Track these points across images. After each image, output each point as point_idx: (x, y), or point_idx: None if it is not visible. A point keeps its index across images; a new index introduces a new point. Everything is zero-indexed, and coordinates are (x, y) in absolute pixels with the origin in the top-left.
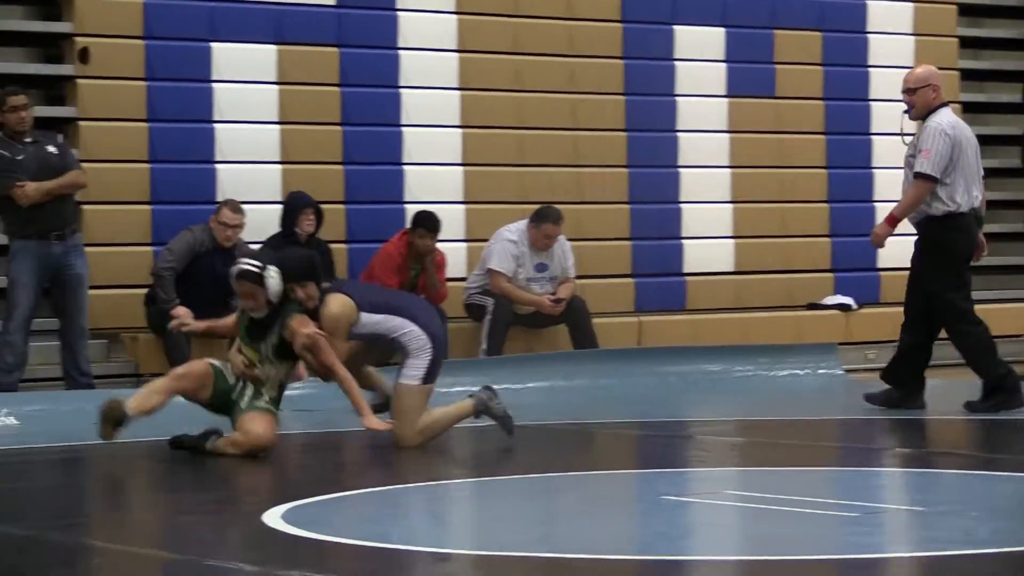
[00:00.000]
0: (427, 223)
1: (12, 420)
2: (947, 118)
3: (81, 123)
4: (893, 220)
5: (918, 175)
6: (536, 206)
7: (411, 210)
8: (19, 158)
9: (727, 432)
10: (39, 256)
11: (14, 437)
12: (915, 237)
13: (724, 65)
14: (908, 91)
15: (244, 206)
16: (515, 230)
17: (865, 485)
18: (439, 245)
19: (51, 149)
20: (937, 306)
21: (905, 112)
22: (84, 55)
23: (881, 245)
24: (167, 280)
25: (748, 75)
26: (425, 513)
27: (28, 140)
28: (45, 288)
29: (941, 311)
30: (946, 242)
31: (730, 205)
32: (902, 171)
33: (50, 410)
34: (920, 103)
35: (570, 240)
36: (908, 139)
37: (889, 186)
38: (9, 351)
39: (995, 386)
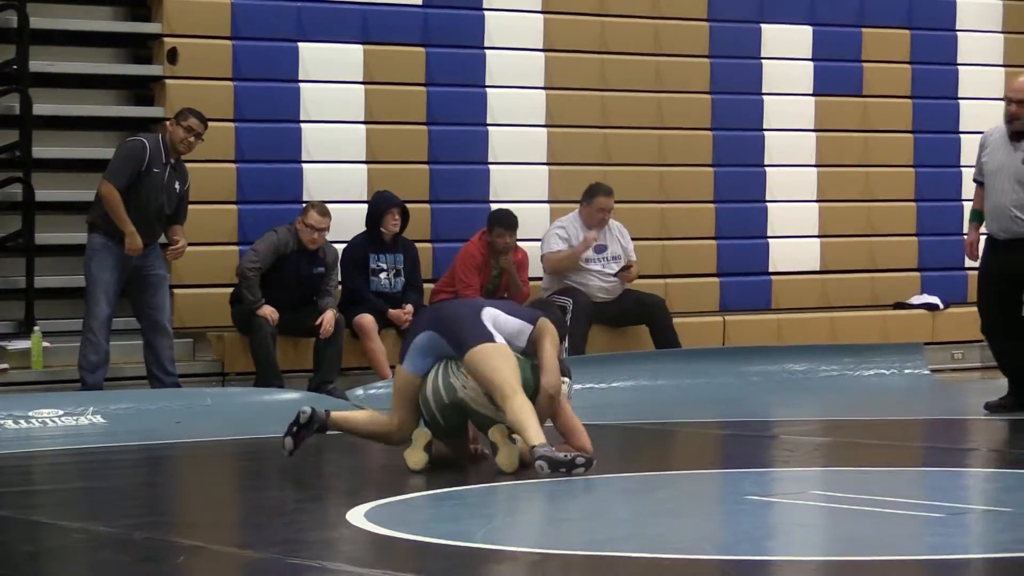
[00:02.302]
0: (503, 221)
1: (99, 419)
2: None
3: (169, 123)
4: None
5: None
6: (621, 205)
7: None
8: (154, 170)
9: (812, 432)
10: (119, 256)
11: (101, 436)
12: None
13: (811, 63)
14: (1021, 103)
15: (330, 205)
16: (564, 220)
17: (950, 486)
18: (522, 244)
19: (177, 187)
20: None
21: (1008, 123)
22: (172, 55)
23: None
24: (252, 280)
25: (835, 73)
26: (508, 512)
27: (172, 162)
28: (122, 288)
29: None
30: None
31: (816, 204)
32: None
33: (137, 409)
34: None
35: (655, 240)
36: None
37: None
38: (92, 349)
39: None
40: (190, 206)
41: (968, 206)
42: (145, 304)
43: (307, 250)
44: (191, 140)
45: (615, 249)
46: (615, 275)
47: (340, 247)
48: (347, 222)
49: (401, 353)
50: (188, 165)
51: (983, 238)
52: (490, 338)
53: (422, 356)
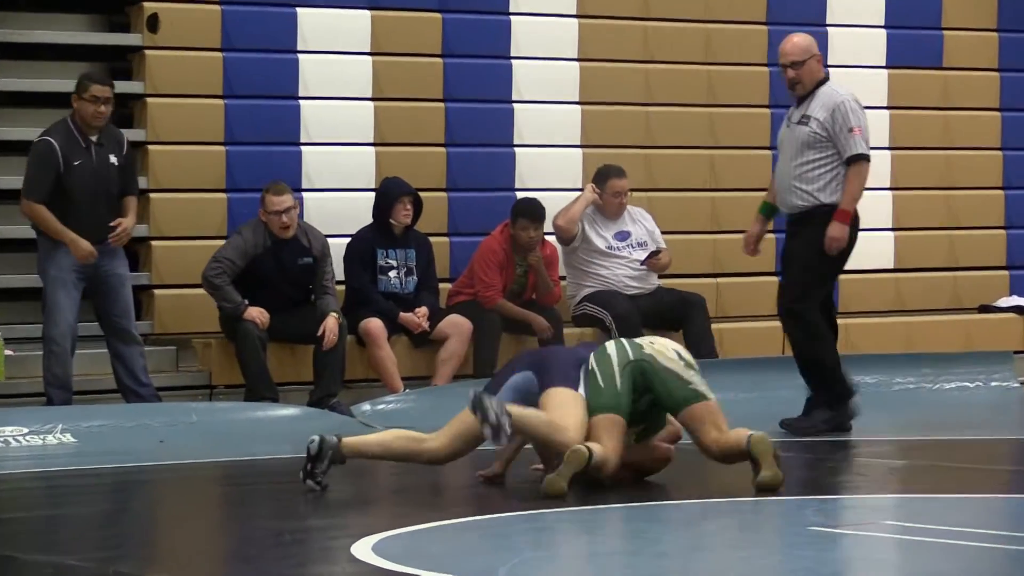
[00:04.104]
0: (529, 212)
1: (68, 437)
2: (845, 89)
3: (149, 100)
4: (847, 215)
5: (856, 157)
6: (666, 194)
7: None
8: (76, 163)
9: (885, 453)
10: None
11: (70, 457)
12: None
13: (884, 31)
14: (794, 64)
15: (333, 194)
16: None
17: None
18: (551, 238)
19: (113, 160)
20: (806, 305)
21: (791, 89)
22: (153, 23)
23: (842, 248)
24: (222, 287)
25: (911, 42)
26: (536, 545)
27: (94, 140)
28: (83, 290)
29: (807, 311)
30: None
31: (889, 192)
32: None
33: (111, 426)
34: (808, 77)
35: (705, 233)
36: (795, 116)
37: None
38: (56, 361)
39: (830, 402)
40: (171, 194)
41: None
42: (107, 311)
43: (285, 241)
44: (101, 110)
45: (639, 235)
46: (643, 262)
47: (343, 241)
48: (352, 213)
49: (489, 385)
50: (170, 149)
51: None
52: (574, 385)
53: (512, 397)
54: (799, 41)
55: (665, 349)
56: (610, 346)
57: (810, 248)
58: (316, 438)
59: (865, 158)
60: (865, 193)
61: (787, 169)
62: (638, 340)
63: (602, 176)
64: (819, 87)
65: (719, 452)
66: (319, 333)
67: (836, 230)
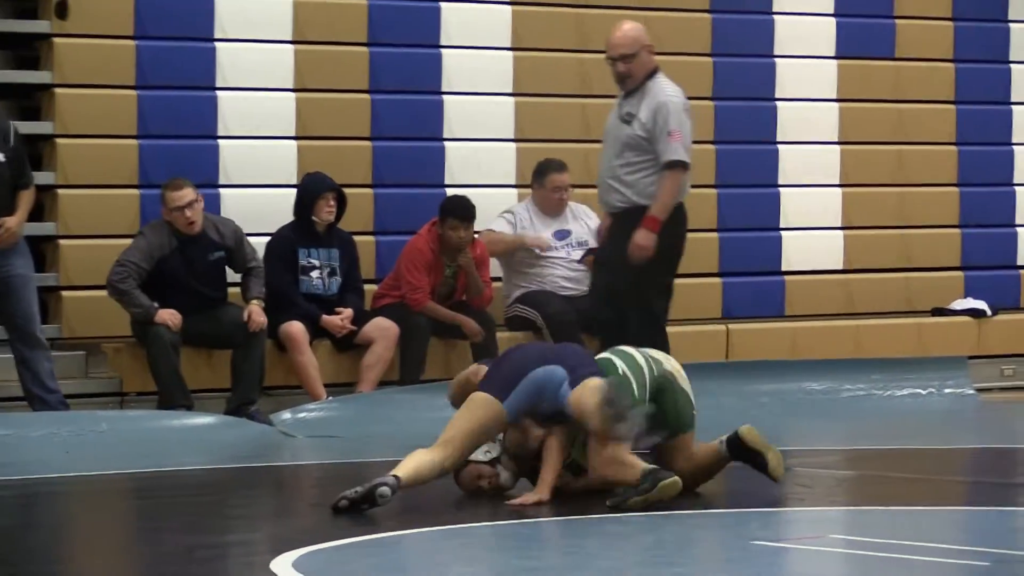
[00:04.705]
0: (458, 211)
1: None
2: (672, 86)
3: (57, 91)
4: (656, 223)
5: (671, 164)
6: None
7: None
8: None
9: (833, 464)
10: None
11: None
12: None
13: (833, 20)
14: (623, 58)
15: (252, 191)
16: (515, 205)
17: (998, 528)
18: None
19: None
20: (642, 317)
21: (619, 83)
22: (61, 9)
23: (649, 256)
24: (129, 292)
25: (863, 32)
26: (465, 560)
27: None
28: None
29: (645, 323)
30: (669, 237)
31: (839, 189)
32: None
33: (15, 436)
34: (639, 69)
35: None
36: (622, 111)
37: None
38: None
39: None
40: (80, 190)
41: (1021, 192)
42: (10, 313)
43: (193, 238)
44: None
45: (580, 233)
46: (580, 260)
47: (263, 240)
48: (272, 210)
49: (494, 383)
50: (79, 142)
51: None
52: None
53: (528, 398)
54: (629, 31)
55: (680, 369)
56: (639, 356)
57: (621, 251)
58: (388, 493)
59: (681, 165)
60: (813, 190)
61: (608, 166)
62: (653, 354)
63: (542, 170)
64: (649, 79)
65: (691, 473)
66: (244, 318)
67: (643, 238)
